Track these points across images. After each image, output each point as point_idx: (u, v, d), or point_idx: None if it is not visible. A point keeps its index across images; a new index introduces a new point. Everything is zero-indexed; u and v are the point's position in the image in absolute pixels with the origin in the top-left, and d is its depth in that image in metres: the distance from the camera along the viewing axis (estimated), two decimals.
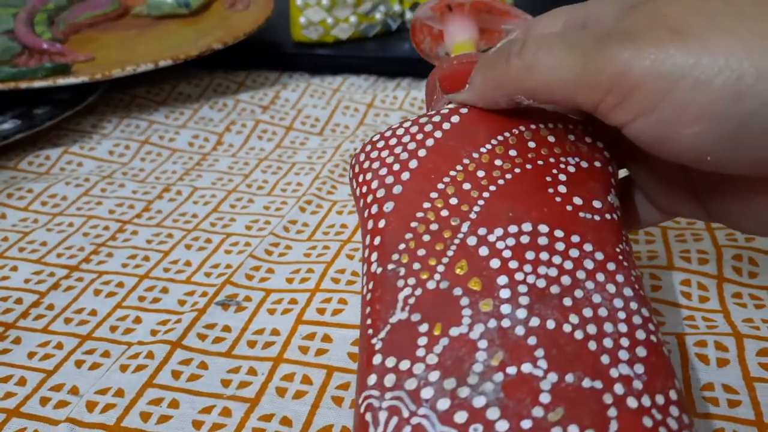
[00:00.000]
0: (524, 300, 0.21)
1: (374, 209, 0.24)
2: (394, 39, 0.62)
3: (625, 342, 0.21)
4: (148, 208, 0.41)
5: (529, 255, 0.22)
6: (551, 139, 0.25)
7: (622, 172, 0.28)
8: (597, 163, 0.25)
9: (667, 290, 0.32)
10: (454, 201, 0.23)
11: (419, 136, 0.25)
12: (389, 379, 0.20)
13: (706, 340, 0.28)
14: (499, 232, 0.22)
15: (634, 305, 0.21)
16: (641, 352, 0.21)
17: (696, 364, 0.27)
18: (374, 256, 0.23)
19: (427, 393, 0.19)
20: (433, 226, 0.22)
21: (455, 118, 0.25)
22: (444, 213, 0.23)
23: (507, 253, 0.22)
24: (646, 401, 0.20)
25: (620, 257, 0.23)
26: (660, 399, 0.20)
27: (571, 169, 0.24)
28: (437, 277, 0.21)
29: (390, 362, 0.20)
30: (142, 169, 0.47)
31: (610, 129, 0.28)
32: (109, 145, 0.49)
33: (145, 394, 0.27)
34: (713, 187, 0.25)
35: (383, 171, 0.24)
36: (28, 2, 0.67)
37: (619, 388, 0.20)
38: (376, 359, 0.20)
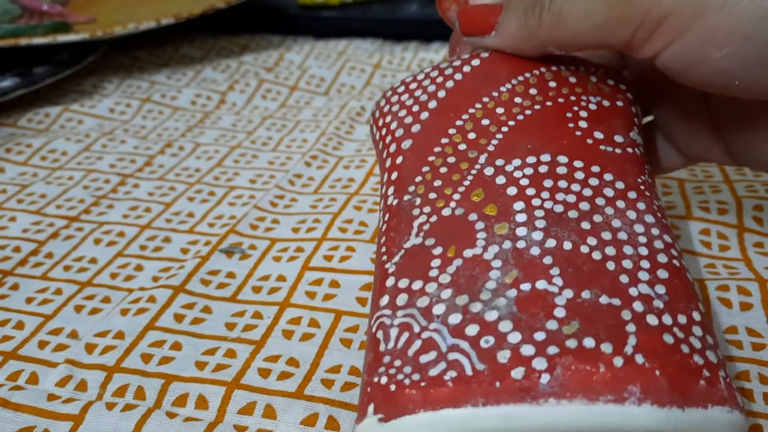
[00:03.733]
0: (540, 223, 0.20)
1: (392, 148, 0.24)
2: (400, 1, 0.61)
3: (645, 264, 0.20)
4: (149, 162, 0.40)
5: (547, 183, 0.21)
6: (572, 79, 0.25)
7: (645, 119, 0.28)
8: (619, 103, 0.25)
9: (686, 240, 0.31)
10: (472, 136, 0.23)
11: (439, 80, 0.25)
12: (401, 299, 0.19)
13: (728, 284, 0.27)
14: (516, 162, 0.22)
15: (655, 231, 0.21)
16: (663, 274, 0.20)
17: (718, 308, 0.26)
18: (391, 190, 0.23)
19: (438, 309, 0.19)
20: (451, 159, 0.22)
21: (476, 62, 0.25)
22: (462, 147, 0.23)
23: (524, 182, 0.21)
24: (667, 319, 0.19)
25: (642, 187, 0.22)
26: (682, 318, 0.19)
27: (593, 106, 0.24)
28: (453, 204, 0.21)
29: (402, 283, 0.20)
30: (143, 126, 0.45)
31: (633, 72, 0.27)
32: (109, 104, 0.48)
33: (146, 337, 0.26)
34: (735, 121, 0.25)
35: (403, 113, 0.24)
36: None
37: (638, 306, 0.19)
38: (389, 281, 0.20)
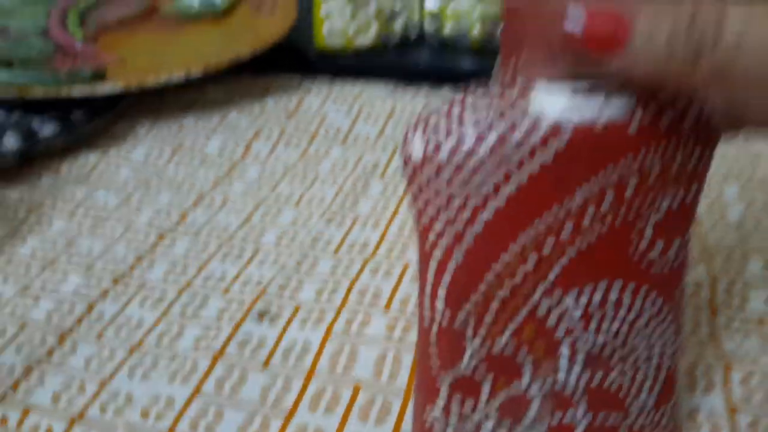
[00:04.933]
0: (579, 362, 0.23)
1: (438, 253, 0.22)
2: (412, 48, 0.65)
3: (648, 383, 0.25)
4: (184, 217, 0.45)
5: (596, 317, 0.23)
6: (653, 174, 0.21)
7: None
8: (691, 194, 0.23)
9: None
10: (530, 264, 0.22)
11: (499, 174, 0.21)
12: (453, 417, 0.24)
13: (696, 362, 0.31)
14: (572, 296, 0.22)
15: (670, 345, 0.25)
16: (657, 387, 0.25)
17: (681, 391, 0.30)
18: (439, 305, 0.23)
19: (485, 429, 0.24)
20: (504, 293, 0.22)
21: (548, 155, 0.21)
22: (518, 277, 0.22)
23: (574, 318, 0.22)
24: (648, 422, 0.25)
25: (675, 296, 0.24)
26: (657, 416, 0.26)
27: (664, 209, 0.22)
28: (504, 339, 0.23)
29: (455, 402, 0.24)
30: (176, 175, 0.49)
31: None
32: (143, 151, 0.52)
33: (193, 404, 0.30)
34: None
35: (451, 211, 0.21)
36: (59, 0, 0.70)
37: (631, 418, 0.25)
38: (442, 395, 0.24)
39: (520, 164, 0.21)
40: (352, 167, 0.50)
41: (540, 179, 0.21)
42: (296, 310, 0.36)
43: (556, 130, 0.21)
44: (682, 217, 0.23)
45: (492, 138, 0.21)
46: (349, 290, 0.37)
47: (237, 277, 0.39)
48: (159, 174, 0.50)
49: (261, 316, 0.36)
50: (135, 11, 0.70)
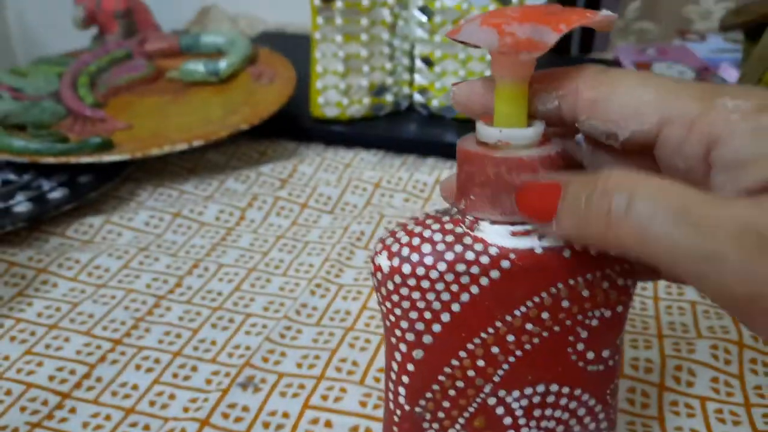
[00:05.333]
0: None
1: (403, 347, 0.25)
2: (402, 119, 0.69)
3: None
4: (179, 283, 0.48)
5: (536, 412, 0.26)
6: (585, 293, 0.25)
7: None
8: (619, 308, 0.26)
9: None
10: (481, 363, 0.25)
11: (454, 288, 0.24)
12: None
13: None
14: (516, 394, 0.26)
15: None
16: None
17: None
18: (402, 391, 0.26)
19: None
20: (459, 383, 0.25)
21: (495, 274, 0.24)
22: (470, 373, 0.25)
23: (519, 412, 0.26)
24: None
25: (608, 396, 0.27)
26: None
27: (594, 323, 0.26)
28: (458, 426, 0.26)
29: None
30: (174, 242, 0.53)
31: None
32: (144, 216, 0.55)
33: None
34: None
35: (413, 314, 0.25)
36: (72, 63, 0.74)
37: None
38: None
39: (472, 280, 0.24)
40: (339, 236, 0.54)
41: (489, 293, 0.24)
42: (278, 380, 0.39)
43: (503, 252, 0.24)
44: (613, 325, 0.26)
45: (448, 257, 0.24)
46: (328, 362, 0.40)
47: (225, 345, 0.42)
48: (158, 239, 0.53)
49: (245, 386, 0.39)
50: (142, 75, 0.74)
